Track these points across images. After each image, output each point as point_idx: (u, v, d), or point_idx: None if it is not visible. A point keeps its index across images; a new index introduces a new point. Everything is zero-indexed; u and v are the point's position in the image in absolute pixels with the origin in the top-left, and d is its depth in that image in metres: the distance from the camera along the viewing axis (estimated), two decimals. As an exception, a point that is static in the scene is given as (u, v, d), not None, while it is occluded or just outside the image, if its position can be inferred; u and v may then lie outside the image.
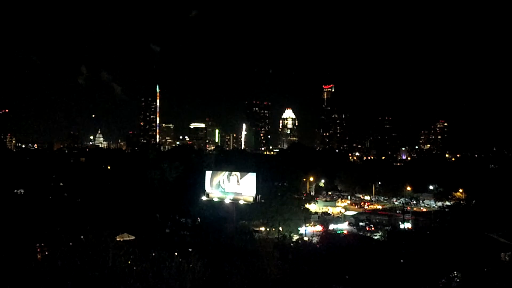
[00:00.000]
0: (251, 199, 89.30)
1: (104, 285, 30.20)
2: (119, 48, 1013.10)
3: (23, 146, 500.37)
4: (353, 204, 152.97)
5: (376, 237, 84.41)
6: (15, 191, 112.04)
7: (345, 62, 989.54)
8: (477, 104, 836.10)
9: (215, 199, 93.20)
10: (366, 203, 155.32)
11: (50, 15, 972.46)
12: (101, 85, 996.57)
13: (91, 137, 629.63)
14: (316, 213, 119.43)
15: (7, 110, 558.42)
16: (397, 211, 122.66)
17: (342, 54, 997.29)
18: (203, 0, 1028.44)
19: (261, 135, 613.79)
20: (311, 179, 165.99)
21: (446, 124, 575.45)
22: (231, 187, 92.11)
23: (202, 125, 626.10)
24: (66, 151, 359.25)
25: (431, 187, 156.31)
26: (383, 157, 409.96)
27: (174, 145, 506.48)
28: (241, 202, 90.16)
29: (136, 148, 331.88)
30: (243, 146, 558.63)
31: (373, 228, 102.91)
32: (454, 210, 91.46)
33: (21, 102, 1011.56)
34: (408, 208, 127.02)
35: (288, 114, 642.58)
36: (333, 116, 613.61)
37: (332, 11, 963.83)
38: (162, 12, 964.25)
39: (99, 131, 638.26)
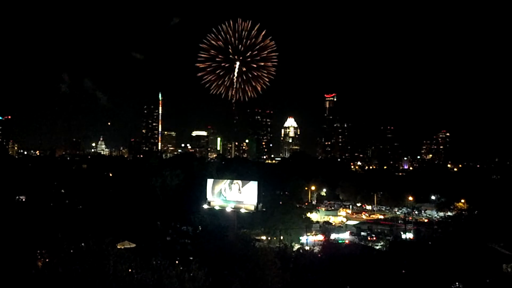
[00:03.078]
0: (252, 208, 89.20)
1: (105, 293, 30.12)
2: (122, 56, 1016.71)
3: (25, 152, 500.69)
4: (354, 214, 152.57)
5: (377, 247, 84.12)
6: (17, 197, 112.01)
7: (347, 71, 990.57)
8: (479, 114, 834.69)
9: (217, 207, 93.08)
10: (363, 212, 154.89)
11: (55, 20, 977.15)
12: (103, 92, 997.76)
13: (93, 144, 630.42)
14: (317, 222, 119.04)
15: (9, 117, 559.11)
16: (399, 221, 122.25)
17: (344, 63, 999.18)
18: (208, 9, 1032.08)
19: (263, 143, 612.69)
20: (313, 188, 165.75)
21: (448, 134, 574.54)
22: (233, 196, 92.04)
23: (204, 133, 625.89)
24: (68, 158, 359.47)
25: (433, 197, 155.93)
26: (385, 167, 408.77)
27: (176, 152, 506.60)
28: (243, 210, 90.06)
29: (138, 156, 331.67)
30: (245, 154, 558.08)
31: (374, 238, 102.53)
32: (456, 221, 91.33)
33: (24, 109, 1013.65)
34: (410, 218, 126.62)
35: (290, 122, 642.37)
36: (335, 125, 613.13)
37: (334, 20, 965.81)
38: (164, 19, 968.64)
39: (101, 138, 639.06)
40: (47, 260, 42.01)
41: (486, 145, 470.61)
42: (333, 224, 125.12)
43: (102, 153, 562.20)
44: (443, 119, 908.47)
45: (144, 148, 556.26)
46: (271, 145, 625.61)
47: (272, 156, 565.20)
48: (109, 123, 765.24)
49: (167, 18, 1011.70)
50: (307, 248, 74.44)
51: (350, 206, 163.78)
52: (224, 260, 50.57)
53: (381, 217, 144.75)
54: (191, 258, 48.54)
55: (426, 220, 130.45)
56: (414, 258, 53.44)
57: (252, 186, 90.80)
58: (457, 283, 49.84)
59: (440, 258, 51.67)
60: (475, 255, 54.08)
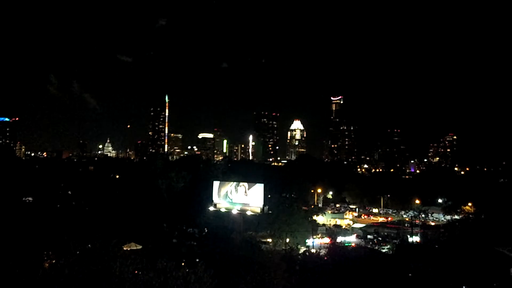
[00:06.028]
0: (258, 210, 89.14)
1: (111, 295, 30.15)
2: (128, 58, 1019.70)
3: (32, 154, 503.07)
4: (360, 217, 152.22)
5: (384, 250, 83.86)
6: (24, 199, 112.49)
7: (354, 74, 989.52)
8: (486, 117, 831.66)
9: (223, 210, 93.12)
10: (369, 215, 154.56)
11: (67, 21, 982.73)
12: (110, 95, 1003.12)
13: (100, 146, 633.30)
14: (324, 225, 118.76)
15: (17, 119, 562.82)
16: (406, 224, 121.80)
17: (351, 66, 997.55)
18: (217, 12, 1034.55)
19: (269, 146, 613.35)
20: (319, 190, 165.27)
21: (455, 137, 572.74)
22: (239, 198, 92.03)
23: (211, 136, 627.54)
24: (75, 160, 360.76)
25: (439, 201, 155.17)
26: (391, 170, 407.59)
27: (182, 155, 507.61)
28: (249, 213, 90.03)
29: (145, 158, 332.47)
30: (251, 157, 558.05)
31: (381, 241, 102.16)
32: (463, 224, 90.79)
33: (31, 111, 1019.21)
34: (417, 221, 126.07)
35: (297, 125, 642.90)
36: (341, 127, 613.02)
37: (342, 24, 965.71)
38: (171, 22, 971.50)
39: (108, 140, 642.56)
40: (53, 261, 42.10)
41: (494, 148, 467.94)
42: (342, 226, 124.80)
43: (109, 155, 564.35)
44: (450, 122, 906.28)
45: (150, 150, 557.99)
46: (277, 147, 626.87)
47: (278, 158, 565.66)
48: (128, 126, 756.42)
49: (173, 21, 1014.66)
50: (313, 250, 74.33)
51: (357, 209, 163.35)
52: (230, 262, 50.56)
53: (388, 220, 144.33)
54: (197, 260, 48.53)
55: (432, 224, 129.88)
56: (420, 261, 53.20)
57: (258, 189, 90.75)
58: (464, 287, 49.55)
59: (447, 262, 51.44)
60: (482, 259, 53.78)
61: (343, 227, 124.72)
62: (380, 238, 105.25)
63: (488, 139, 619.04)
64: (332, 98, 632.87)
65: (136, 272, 32.90)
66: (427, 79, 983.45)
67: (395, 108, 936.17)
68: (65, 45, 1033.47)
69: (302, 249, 75.49)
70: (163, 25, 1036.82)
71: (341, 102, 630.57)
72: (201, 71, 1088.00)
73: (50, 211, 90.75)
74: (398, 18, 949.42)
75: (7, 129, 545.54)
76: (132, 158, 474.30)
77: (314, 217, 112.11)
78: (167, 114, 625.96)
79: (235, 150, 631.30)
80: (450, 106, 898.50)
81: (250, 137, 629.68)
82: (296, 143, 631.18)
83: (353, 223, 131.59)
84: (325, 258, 59.76)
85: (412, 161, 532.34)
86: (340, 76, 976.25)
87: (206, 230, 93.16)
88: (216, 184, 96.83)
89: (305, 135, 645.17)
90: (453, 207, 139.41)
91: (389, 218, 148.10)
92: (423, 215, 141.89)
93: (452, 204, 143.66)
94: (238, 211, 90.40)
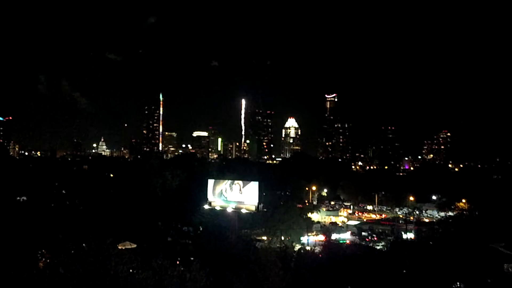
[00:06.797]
0: (253, 208, 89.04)
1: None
2: (121, 56, 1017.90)
3: (26, 153, 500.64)
4: (355, 214, 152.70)
5: (378, 247, 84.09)
6: (18, 198, 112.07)
7: (348, 72, 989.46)
8: (480, 114, 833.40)
9: (217, 208, 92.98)
10: (364, 213, 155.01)
11: (61, 20, 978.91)
12: (104, 93, 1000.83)
13: (94, 145, 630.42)
14: (318, 222, 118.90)
15: (10, 118, 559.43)
16: (400, 221, 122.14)
17: (345, 63, 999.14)
18: (212, 11, 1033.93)
19: (264, 144, 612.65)
20: (314, 188, 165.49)
21: (449, 134, 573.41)
22: (234, 196, 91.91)
23: (205, 134, 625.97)
24: (69, 159, 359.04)
25: (434, 197, 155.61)
26: (386, 167, 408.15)
27: (177, 153, 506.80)
28: (243, 211, 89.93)
29: (139, 156, 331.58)
30: (246, 155, 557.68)
31: (375, 238, 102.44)
32: (457, 221, 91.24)
33: (25, 110, 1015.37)
34: (411, 218, 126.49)
35: (291, 123, 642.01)
36: (336, 125, 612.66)
37: (335, 21, 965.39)
38: (165, 20, 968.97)
39: (102, 139, 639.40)
40: (48, 260, 42.05)
41: (487, 145, 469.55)
42: (337, 224, 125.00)
43: (103, 153, 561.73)
44: (444, 119, 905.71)
45: (145, 148, 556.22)
46: (272, 145, 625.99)
47: (273, 156, 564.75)
48: (125, 125, 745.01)
49: (167, 19, 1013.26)
50: (308, 248, 74.39)
51: (351, 206, 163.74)
52: (225, 261, 50.60)
53: (382, 217, 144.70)
54: (192, 258, 48.53)
55: (427, 220, 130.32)
56: (415, 258, 53.40)
57: (253, 187, 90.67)
58: (458, 283, 49.80)
59: (441, 258, 51.65)
60: (476, 255, 54.06)
61: (338, 224, 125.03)
62: (374, 235, 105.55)
63: (482, 136, 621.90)
64: (326, 95, 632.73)
65: (131, 270, 32.93)
66: (420, 77, 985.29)
67: (389, 105, 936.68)
68: (59, 43, 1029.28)
69: (297, 247, 75.46)
70: (157, 23, 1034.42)
71: (335, 99, 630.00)
72: (195, 69, 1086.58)
73: (44, 211, 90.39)
74: (390, 16, 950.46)
75: (1, 128, 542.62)
76: (126, 156, 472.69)
77: (309, 215, 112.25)
78: (161, 112, 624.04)
79: (229, 148, 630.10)
80: (443, 103, 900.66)
81: (243, 135, 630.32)
82: (291, 141, 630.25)
83: (348, 220, 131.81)
84: (320, 255, 59.85)
85: (406, 158, 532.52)
86: (334, 73, 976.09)
87: (201, 229, 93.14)
88: (211, 182, 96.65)
89: (299, 133, 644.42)
90: (447, 204, 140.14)
91: (384, 215, 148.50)
92: (417, 212, 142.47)
93: (446, 200, 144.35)
94: (233, 209, 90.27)
